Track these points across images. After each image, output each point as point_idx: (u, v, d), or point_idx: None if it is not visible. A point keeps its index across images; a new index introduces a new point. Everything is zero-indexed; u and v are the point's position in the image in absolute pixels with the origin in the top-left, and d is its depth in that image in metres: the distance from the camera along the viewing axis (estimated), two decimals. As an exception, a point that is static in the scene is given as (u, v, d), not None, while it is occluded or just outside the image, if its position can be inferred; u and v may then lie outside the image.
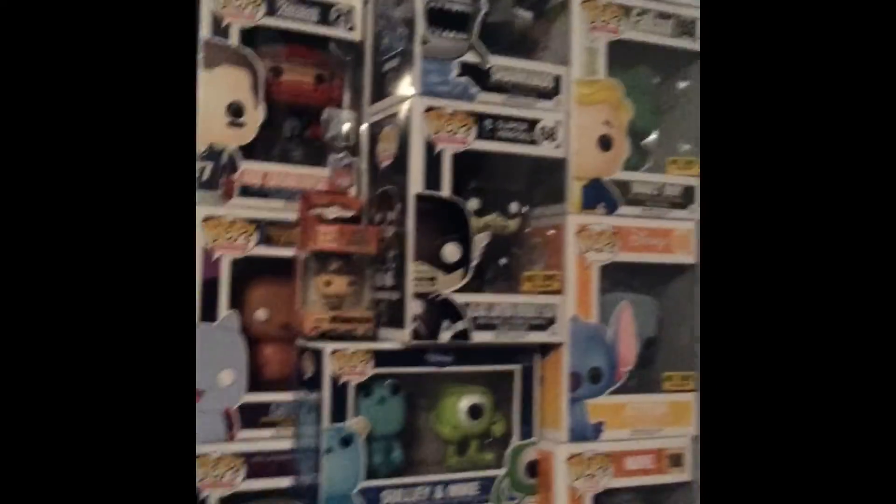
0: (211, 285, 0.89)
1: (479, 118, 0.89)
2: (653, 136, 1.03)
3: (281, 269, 0.92)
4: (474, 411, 0.91)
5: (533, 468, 0.94)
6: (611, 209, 0.95)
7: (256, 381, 0.91)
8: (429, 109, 0.86)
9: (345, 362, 0.85)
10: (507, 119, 0.90)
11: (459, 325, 0.86)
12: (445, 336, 0.86)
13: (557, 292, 0.92)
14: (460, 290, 0.86)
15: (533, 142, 0.92)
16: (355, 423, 0.85)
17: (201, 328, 0.88)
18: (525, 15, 0.95)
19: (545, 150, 0.92)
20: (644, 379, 0.98)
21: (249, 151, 0.92)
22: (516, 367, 0.93)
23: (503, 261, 0.94)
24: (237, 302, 0.91)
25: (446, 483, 0.89)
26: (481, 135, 0.89)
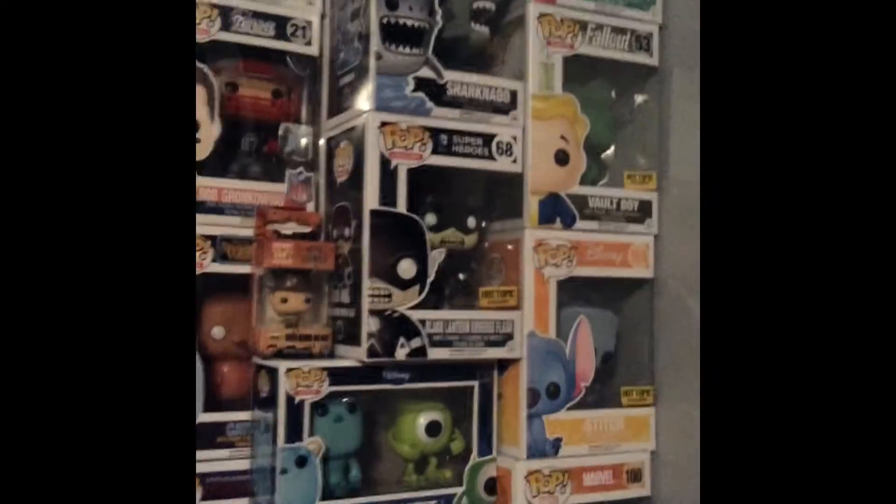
0: (165, 303, 0.87)
1: (435, 133, 0.88)
2: (610, 151, 1.03)
3: (237, 286, 0.91)
4: (432, 428, 0.91)
5: (492, 485, 0.93)
6: (568, 224, 0.95)
7: (213, 400, 0.90)
8: (384, 125, 0.86)
9: (300, 380, 0.84)
10: (463, 134, 0.90)
11: (416, 342, 0.86)
12: (402, 353, 0.85)
13: (515, 307, 0.92)
14: (417, 307, 0.86)
15: (489, 156, 0.91)
16: (311, 443, 0.84)
17: (155, 347, 0.86)
18: (481, 30, 0.95)
19: (502, 164, 0.92)
20: (602, 394, 0.98)
21: (205, 167, 0.91)
22: (474, 384, 0.92)
23: (461, 276, 0.94)
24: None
25: (405, 502, 0.88)
26: (437, 150, 0.88)
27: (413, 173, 0.87)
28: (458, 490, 0.92)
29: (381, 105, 0.86)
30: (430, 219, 0.89)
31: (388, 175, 0.85)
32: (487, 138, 0.91)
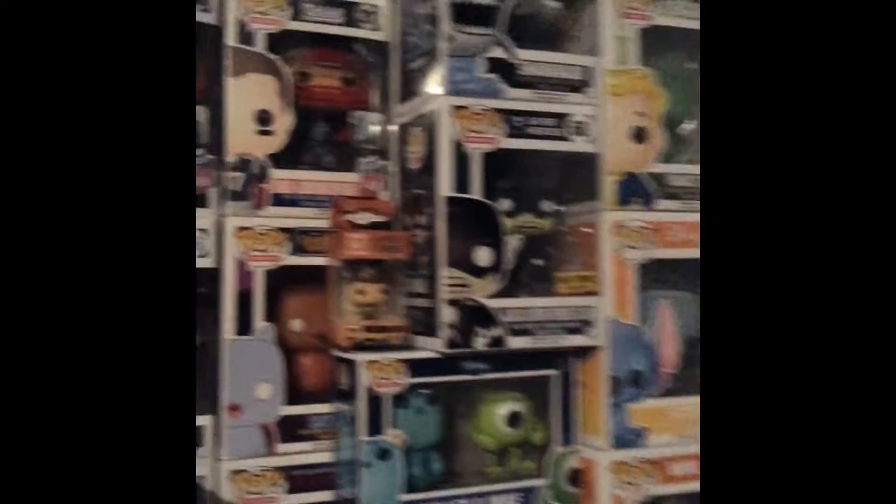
0: (245, 297, 0.88)
1: (508, 115, 0.86)
2: (690, 125, 0.98)
3: (315, 279, 0.91)
4: (513, 419, 0.89)
5: (575, 476, 0.91)
6: (647, 204, 0.91)
7: (294, 393, 0.90)
8: (456, 109, 0.84)
9: (379, 373, 0.83)
10: (537, 115, 0.87)
11: (494, 332, 0.84)
12: (480, 343, 0.83)
13: (594, 293, 0.89)
14: (494, 295, 0.84)
15: (564, 137, 0.88)
16: (392, 436, 0.84)
17: (237, 342, 0.87)
18: (553, 5, 0.92)
19: (577, 145, 0.89)
20: (688, 381, 0.94)
21: (279, 159, 0.91)
22: (554, 373, 0.90)
23: (538, 262, 0.91)
24: (272, 313, 0.90)
25: (487, 494, 0.87)
26: (511, 133, 0.86)
27: (487, 157, 0.85)
28: (541, 482, 0.90)
29: (453, 89, 0.84)
30: (505, 204, 0.87)
31: (461, 161, 0.84)
32: (561, 118, 0.88)
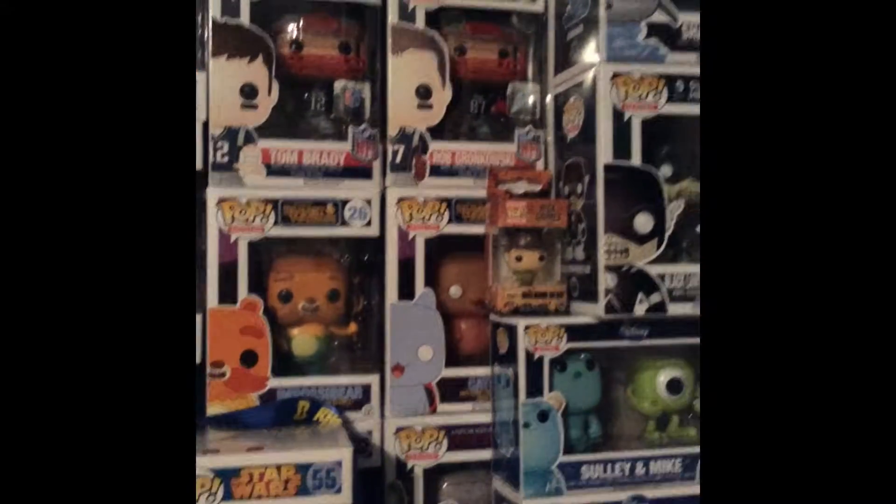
0: (407, 264, 0.92)
1: (670, 80, 0.84)
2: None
3: (472, 247, 0.94)
4: (673, 386, 0.88)
5: (740, 445, 0.89)
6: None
7: (454, 356, 0.94)
8: (615, 76, 0.83)
9: (538, 337, 0.85)
10: (698, 79, 0.85)
11: (655, 298, 0.83)
12: (640, 309, 0.83)
13: (761, 260, 0.86)
14: (655, 262, 0.83)
15: (729, 101, 0.86)
16: (551, 398, 0.85)
17: (400, 306, 0.91)
18: (716, -34, 0.89)
19: (743, 109, 0.86)
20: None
21: (438, 132, 0.94)
22: (718, 340, 0.89)
23: (699, 228, 0.90)
24: (432, 280, 0.93)
25: (647, 459, 0.87)
26: (672, 98, 0.85)
27: (647, 123, 0.84)
28: (703, 449, 0.89)
29: (612, 55, 0.83)
30: (666, 170, 0.86)
31: (621, 128, 0.83)
32: (726, 82, 0.86)
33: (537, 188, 0.94)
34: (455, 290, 0.95)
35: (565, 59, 0.93)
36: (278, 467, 0.74)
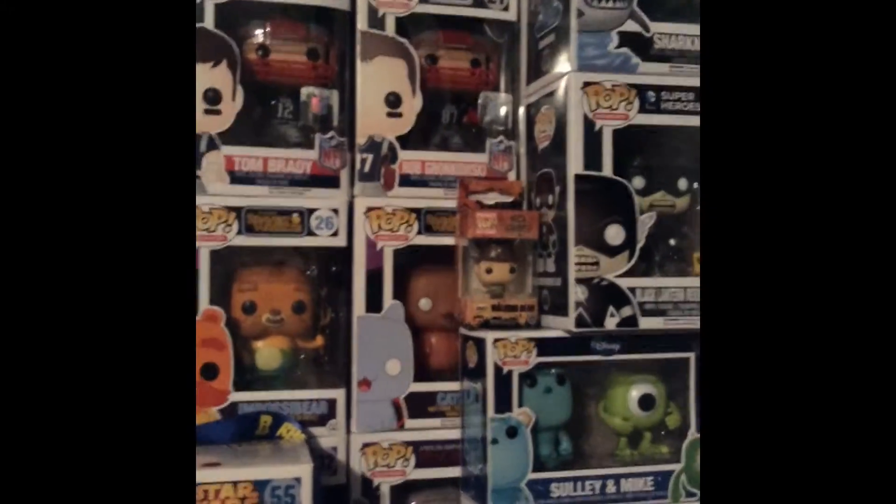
0: (375, 276, 0.90)
1: (642, 90, 0.83)
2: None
3: (442, 258, 0.92)
4: (646, 402, 0.87)
5: (713, 463, 0.88)
6: (793, 181, 0.86)
7: (423, 371, 0.92)
8: (586, 85, 0.82)
9: (508, 351, 0.83)
10: (673, 89, 0.84)
11: (626, 311, 0.82)
12: (611, 323, 0.81)
13: (734, 274, 0.85)
14: (626, 275, 0.82)
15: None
16: (520, 414, 0.83)
17: (367, 319, 0.89)
18: (690, -25, 0.88)
19: (716, 120, 0.85)
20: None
21: (408, 141, 0.92)
22: (690, 355, 0.87)
23: (672, 241, 0.89)
24: (401, 292, 0.91)
25: (619, 477, 0.85)
26: (644, 108, 0.83)
27: (619, 134, 0.83)
28: (677, 466, 0.87)
29: (583, 65, 0.82)
30: (638, 182, 0.85)
31: (592, 138, 0.82)
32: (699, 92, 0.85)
33: (509, 199, 0.92)
34: (425, 303, 0.93)
35: (537, 68, 0.91)
36: (235, 484, 0.71)
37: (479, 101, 0.96)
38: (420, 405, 0.91)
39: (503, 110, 0.96)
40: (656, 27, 0.84)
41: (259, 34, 0.90)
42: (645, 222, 0.83)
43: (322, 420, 0.89)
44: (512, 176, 0.95)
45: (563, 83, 0.84)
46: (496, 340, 0.83)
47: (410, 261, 0.92)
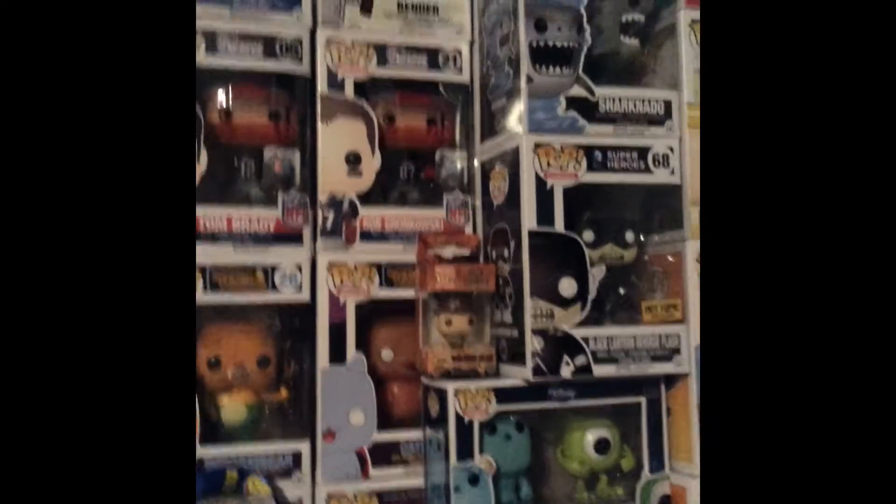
0: (338, 329, 0.93)
1: (589, 150, 0.88)
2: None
3: (403, 311, 0.95)
4: (601, 445, 0.90)
5: (667, 503, 0.91)
6: (732, 233, 0.92)
7: (386, 420, 0.94)
8: (538, 147, 0.87)
9: (469, 400, 0.86)
10: (618, 149, 0.89)
11: (580, 360, 0.86)
12: (566, 371, 0.85)
13: (680, 321, 0.90)
14: (580, 325, 0.86)
15: (646, 170, 0.90)
16: (482, 462, 0.86)
17: (331, 370, 0.92)
18: (631, 42, 0.94)
19: (659, 177, 0.91)
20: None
21: (368, 198, 0.96)
22: (642, 399, 0.91)
23: (622, 291, 0.93)
24: (363, 344, 0.94)
25: (577, 519, 0.89)
26: (592, 167, 0.88)
27: (569, 191, 0.87)
28: (632, 508, 0.91)
29: (533, 127, 0.87)
30: (588, 236, 0.90)
31: (544, 195, 0.86)
32: (643, 151, 0.90)
33: (466, 252, 0.96)
34: (387, 354, 0.96)
35: (491, 127, 0.96)
36: (205, 542, 0.72)
37: (436, 157, 1.00)
38: (384, 454, 0.93)
39: (459, 166, 1.01)
40: (601, 91, 0.89)
41: (222, 97, 0.94)
42: (596, 274, 0.87)
43: (288, 472, 0.90)
44: (469, 229, 0.99)
45: (515, 143, 0.88)
46: (457, 391, 0.86)
47: (373, 313, 0.95)
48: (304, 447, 0.91)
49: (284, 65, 0.94)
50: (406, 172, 1.01)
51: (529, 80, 0.87)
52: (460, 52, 1.00)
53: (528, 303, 0.85)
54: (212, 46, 0.92)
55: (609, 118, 0.89)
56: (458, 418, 0.85)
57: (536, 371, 0.85)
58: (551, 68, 0.88)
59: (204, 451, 0.87)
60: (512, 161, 0.89)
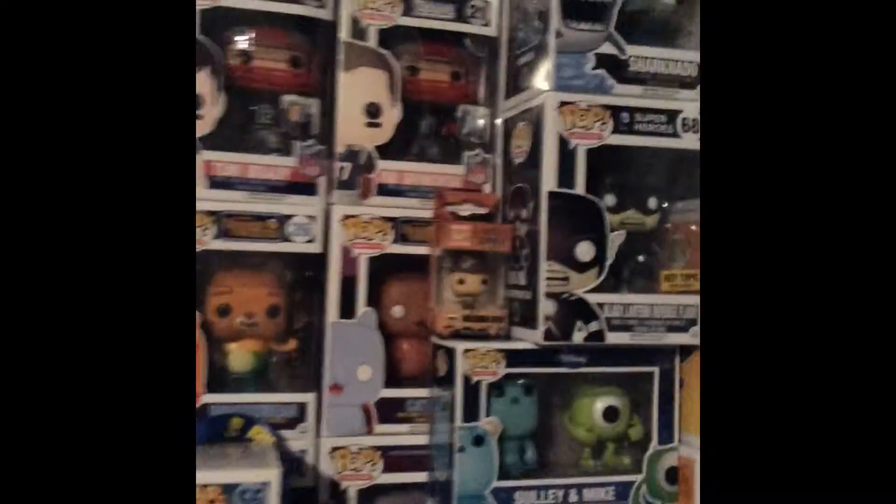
0: (349, 283, 0.91)
1: (616, 111, 0.85)
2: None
3: (416, 267, 0.93)
4: (610, 413, 0.89)
5: (673, 474, 0.90)
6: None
7: (394, 377, 0.93)
8: (563, 104, 0.84)
9: (477, 362, 0.85)
10: (646, 111, 0.86)
11: (593, 326, 0.84)
12: (579, 337, 0.83)
13: (698, 292, 0.87)
14: (595, 290, 0.84)
15: (674, 134, 0.87)
16: (487, 423, 0.85)
17: (340, 324, 0.91)
18: (666, 1, 0.90)
19: (687, 142, 0.88)
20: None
21: (386, 151, 0.94)
22: (654, 370, 0.89)
23: (641, 258, 0.91)
24: (374, 299, 0.93)
25: (581, 486, 0.87)
26: (618, 129, 0.85)
27: (592, 153, 0.85)
28: (638, 477, 0.89)
29: (560, 84, 0.84)
30: (610, 200, 0.87)
31: (566, 156, 0.84)
32: (672, 115, 0.87)
33: (483, 211, 0.94)
34: (398, 311, 0.95)
35: (516, 84, 0.93)
36: (203, 487, 0.72)
37: (458, 113, 0.98)
38: (389, 411, 0.92)
39: (481, 123, 0.98)
40: (632, 50, 0.86)
41: (242, 40, 0.91)
42: (615, 240, 0.85)
43: (292, 423, 0.90)
44: (487, 188, 0.97)
45: (540, 101, 0.85)
46: (466, 351, 0.84)
47: (386, 269, 0.94)
48: (309, 399, 0.90)
49: (306, 9, 0.92)
50: (427, 127, 0.99)
51: (559, 34, 0.84)
52: (489, 4, 0.97)
53: (544, 265, 0.83)
54: (232, -14, 0.89)
55: (639, 78, 0.86)
56: (466, 379, 0.84)
57: (548, 335, 0.83)
58: (582, 23, 0.84)
59: (209, 398, 0.87)
60: (535, 119, 0.86)
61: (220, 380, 0.90)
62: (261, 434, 0.87)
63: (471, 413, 0.84)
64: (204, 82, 0.88)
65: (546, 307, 0.83)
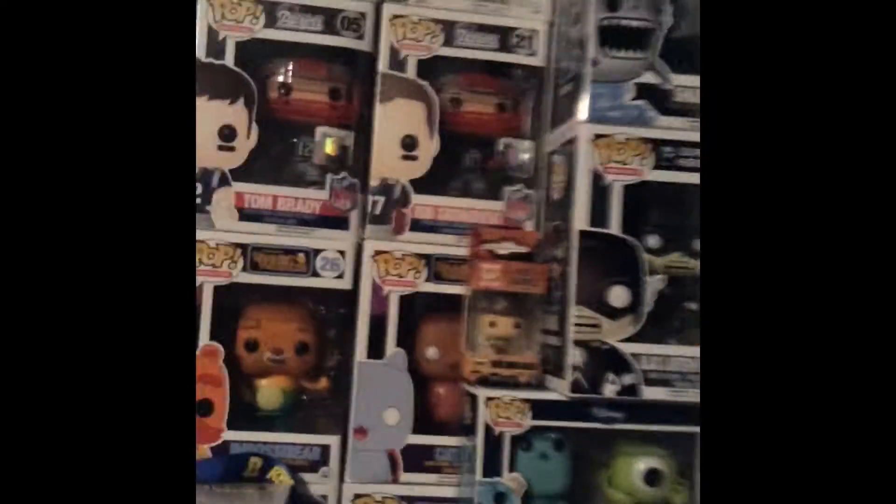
0: (379, 321, 0.88)
1: (657, 145, 0.79)
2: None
3: (453, 307, 0.89)
4: (652, 477, 0.81)
5: (719, 549, 0.80)
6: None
7: (427, 422, 0.88)
8: (597, 137, 0.78)
9: (500, 411, 0.79)
10: (692, 145, 0.79)
11: (627, 379, 0.77)
12: (610, 390, 0.76)
13: (750, 346, 0.79)
14: (630, 339, 0.77)
15: (726, 170, 0.79)
16: (511, 480, 0.79)
17: (368, 365, 0.87)
18: (722, 26, 0.83)
19: (740, 180, 0.80)
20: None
21: (422, 185, 0.90)
22: (697, 429, 0.81)
23: (693, 306, 0.83)
24: (409, 339, 0.89)
25: (615, 556, 0.80)
26: (659, 164, 0.79)
27: (633, 190, 0.78)
28: (681, 549, 0.81)
29: (594, 116, 0.79)
30: (653, 241, 0.80)
31: (600, 192, 0.78)
32: (722, 149, 0.79)
33: (523, 250, 0.88)
34: (432, 353, 0.90)
35: (558, 115, 0.88)
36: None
37: (500, 146, 0.93)
38: (417, 458, 0.87)
39: (526, 157, 0.93)
40: (678, 79, 0.79)
41: (282, 72, 0.91)
42: (655, 285, 0.78)
43: (315, 466, 0.86)
44: (530, 226, 0.92)
45: (574, 133, 0.80)
46: (489, 399, 0.79)
47: (423, 308, 0.90)
48: (333, 441, 0.87)
49: (346, 40, 0.90)
50: (472, 160, 0.95)
51: (595, 62, 0.78)
52: (536, 33, 0.92)
53: (573, 311, 0.77)
54: (271, 19, 0.89)
55: (683, 110, 0.79)
56: (488, 429, 0.79)
57: (575, 387, 0.76)
58: (622, 51, 0.79)
59: (231, 435, 0.85)
60: (570, 153, 0.81)
61: (248, 416, 0.87)
62: (280, 476, 0.85)
63: (492, 467, 0.79)
64: (239, 115, 0.88)
65: (574, 356, 0.76)
